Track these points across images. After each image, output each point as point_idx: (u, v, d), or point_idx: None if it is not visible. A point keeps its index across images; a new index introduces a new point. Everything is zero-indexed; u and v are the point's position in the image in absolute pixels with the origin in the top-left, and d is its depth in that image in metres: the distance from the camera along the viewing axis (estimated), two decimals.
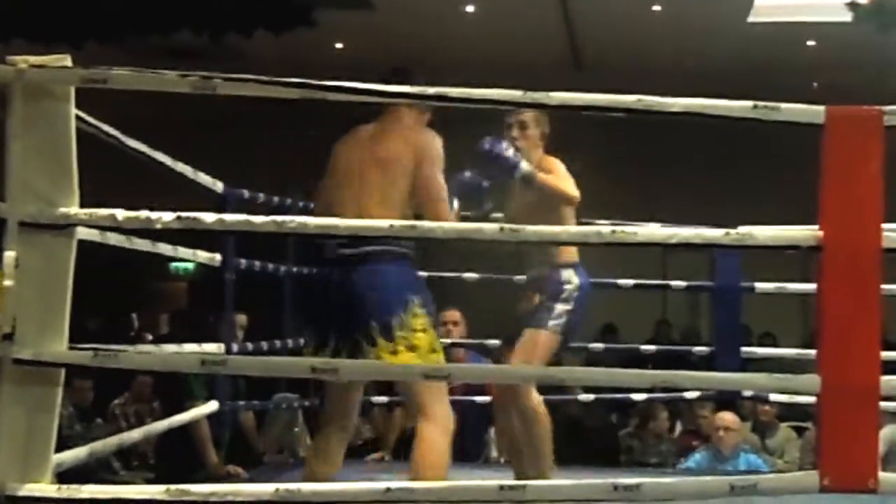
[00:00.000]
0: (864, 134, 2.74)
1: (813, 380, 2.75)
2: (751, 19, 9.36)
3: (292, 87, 2.78)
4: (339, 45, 10.71)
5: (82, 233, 2.90)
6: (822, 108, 2.79)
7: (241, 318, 5.97)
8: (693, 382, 2.94)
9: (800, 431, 7.46)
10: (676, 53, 10.29)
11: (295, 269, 5.93)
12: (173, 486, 2.71)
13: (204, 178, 4.68)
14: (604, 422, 8.09)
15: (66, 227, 2.78)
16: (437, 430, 3.63)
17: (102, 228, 3.07)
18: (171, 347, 4.60)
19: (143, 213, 2.82)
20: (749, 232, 2.89)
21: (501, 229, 2.85)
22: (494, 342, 5.99)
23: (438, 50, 10.03)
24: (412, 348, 3.60)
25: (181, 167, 4.26)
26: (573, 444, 7.67)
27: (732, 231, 2.90)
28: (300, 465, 6.24)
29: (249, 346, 5.36)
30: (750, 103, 2.83)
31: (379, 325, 3.59)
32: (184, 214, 2.81)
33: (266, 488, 2.73)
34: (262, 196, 5.48)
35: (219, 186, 4.97)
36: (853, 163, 2.74)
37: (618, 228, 2.92)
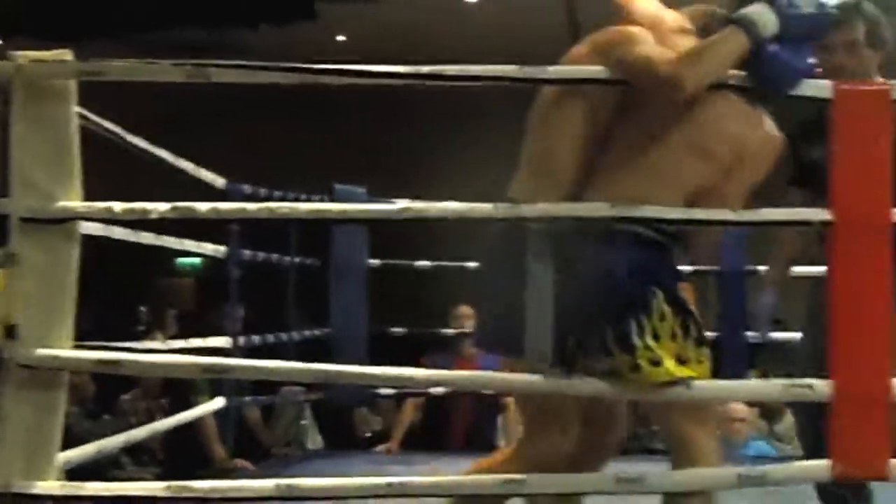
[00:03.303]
0: (873, 110, 2.71)
1: (825, 384, 2.71)
2: None
3: (284, 71, 2.77)
4: (341, 37, 10.69)
5: (89, 228, 2.90)
6: (829, 83, 2.76)
7: (239, 310, 5.95)
8: (698, 391, 2.83)
9: None
10: None
11: (298, 260, 5.93)
12: (175, 483, 2.71)
13: (205, 175, 4.68)
14: None
15: (65, 220, 2.77)
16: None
17: (101, 221, 3.07)
18: (176, 349, 4.61)
19: (139, 205, 2.81)
20: (759, 210, 2.81)
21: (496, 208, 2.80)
22: None
23: (441, 40, 10.01)
24: (657, 363, 2.70)
25: (182, 164, 4.25)
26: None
27: (744, 210, 2.80)
28: (308, 458, 6.27)
29: (256, 339, 5.36)
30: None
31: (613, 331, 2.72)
32: (179, 204, 2.79)
33: (267, 483, 2.72)
34: (263, 191, 5.48)
35: (220, 182, 4.97)
36: (862, 139, 2.69)
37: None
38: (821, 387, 2.71)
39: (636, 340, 2.67)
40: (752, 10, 2.70)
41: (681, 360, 2.70)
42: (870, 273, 2.67)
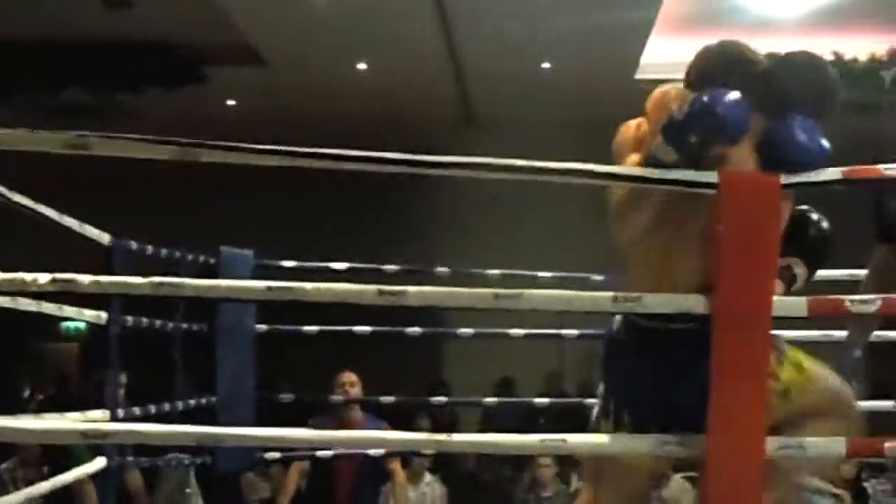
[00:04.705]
0: (760, 198, 2.68)
1: (700, 441, 2.75)
2: (637, 76, 9.53)
3: (167, 144, 2.73)
4: (231, 102, 10.68)
5: None
6: (714, 171, 2.72)
7: (120, 378, 5.84)
8: (581, 446, 2.91)
9: (694, 481, 7.50)
10: (565, 109, 10.43)
11: (185, 326, 5.85)
12: None
13: (90, 231, 4.60)
14: (498, 476, 8.09)
15: None
16: None
17: None
18: (53, 416, 4.49)
19: (19, 276, 2.76)
20: (640, 297, 2.80)
21: (380, 293, 2.79)
22: (388, 399, 6.01)
23: (331, 106, 10.06)
24: None
25: (67, 220, 4.19)
26: (470, 498, 7.68)
27: (620, 295, 2.81)
28: None
29: (137, 410, 5.24)
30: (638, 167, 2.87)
31: None
32: (59, 276, 2.75)
33: None
34: (150, 248, 5.39)
35: (105, 238, 4.88)
36: (747, 228, 2.67)
37: (504, 292, 2.81)
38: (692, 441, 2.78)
39: None
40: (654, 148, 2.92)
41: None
42: (748, 361, 2.70)
